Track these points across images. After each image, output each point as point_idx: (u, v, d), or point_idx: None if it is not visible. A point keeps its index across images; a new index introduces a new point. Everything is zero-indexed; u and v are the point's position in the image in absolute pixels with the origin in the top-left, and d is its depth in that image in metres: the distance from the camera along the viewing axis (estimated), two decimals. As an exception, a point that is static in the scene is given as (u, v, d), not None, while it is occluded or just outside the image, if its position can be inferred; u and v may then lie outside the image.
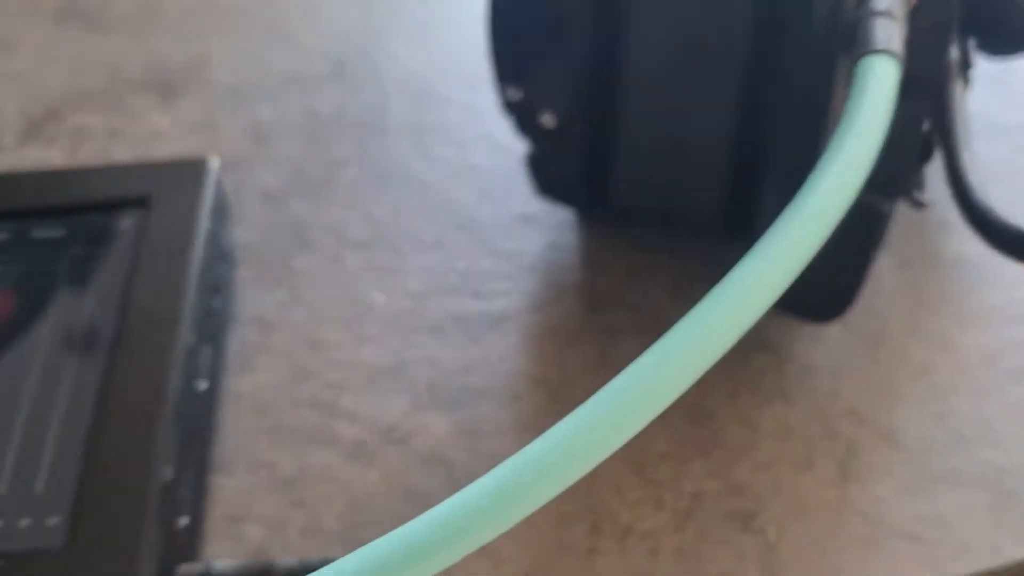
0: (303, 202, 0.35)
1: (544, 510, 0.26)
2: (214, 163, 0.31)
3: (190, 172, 0.31)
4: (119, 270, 0.28)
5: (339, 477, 0.28)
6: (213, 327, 0.29)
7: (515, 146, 0.36)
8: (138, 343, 0.26)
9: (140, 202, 0.30)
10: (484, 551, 0.26)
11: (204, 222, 0.29)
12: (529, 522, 0.26)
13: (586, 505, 0.27)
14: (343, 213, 0.35)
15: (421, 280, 0.33)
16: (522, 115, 0.30)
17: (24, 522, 0.23)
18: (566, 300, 0.32)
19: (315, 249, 0.33)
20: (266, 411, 0.29)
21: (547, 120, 0.29)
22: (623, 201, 0.31)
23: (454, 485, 0.27)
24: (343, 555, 0.15)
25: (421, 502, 0.27)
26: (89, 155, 0.37)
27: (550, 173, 0.31)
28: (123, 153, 0.37)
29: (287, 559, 0.24)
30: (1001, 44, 0.30)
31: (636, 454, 0.28)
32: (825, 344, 0.30)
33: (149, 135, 0.38)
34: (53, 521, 0.23)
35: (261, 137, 0.37)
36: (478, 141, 0.37)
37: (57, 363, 0.26)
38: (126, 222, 0.30)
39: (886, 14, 0.21)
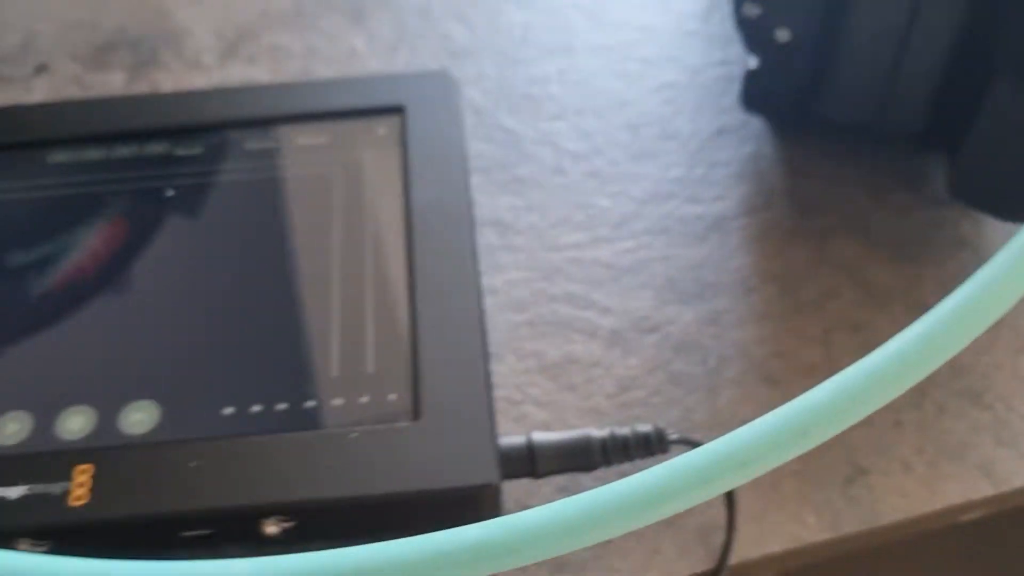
0: (511, 116, 0.37)
1: (795, 393, 0.29)
2: (455, 76, 0.33)
3: (436, 83, 0.33)
4: (392, 171, 0.30)
5: (602, 363, 0.30)
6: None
7: (694, 63, 0.38)
8: (434, 237, 0.28)
9: (396, 110, 0.32)
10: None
11: (462, 128, 0.31)
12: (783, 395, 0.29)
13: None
14: (553, 126, 0.37)
15: (640, 187, 0.35)
16: (756, 30, 0.32)
17: (364, 399, 0.25)
18: (775, 204, 0.34)
19: (534, 159, 0.36)
20: (523, 306, 0.31)
21: (781, 35, 0.31)
22: (832, 113, 0.33)
23: (710, 368, 0.30)
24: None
25: (685, 383, 0.30)
26: (292, 72, 0.39)
27: (768, 86, 0.33)
28: (324, 71, 0.39)
29: (600, 431, 0.26)
30: None
31: (870, 341, 0.31)
32: None
33: (346, 54, 0.39)
34: (392, 397, 0.25)
35: (455, 55, 0.39)
36: (662, 61, 0.39)
37: (357, 254, 0.28)
38: (383, 129, 0.32)
39: None
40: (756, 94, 0.34)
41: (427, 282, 0.27)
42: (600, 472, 0.27)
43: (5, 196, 0.30)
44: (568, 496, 0.26)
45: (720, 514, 0.27)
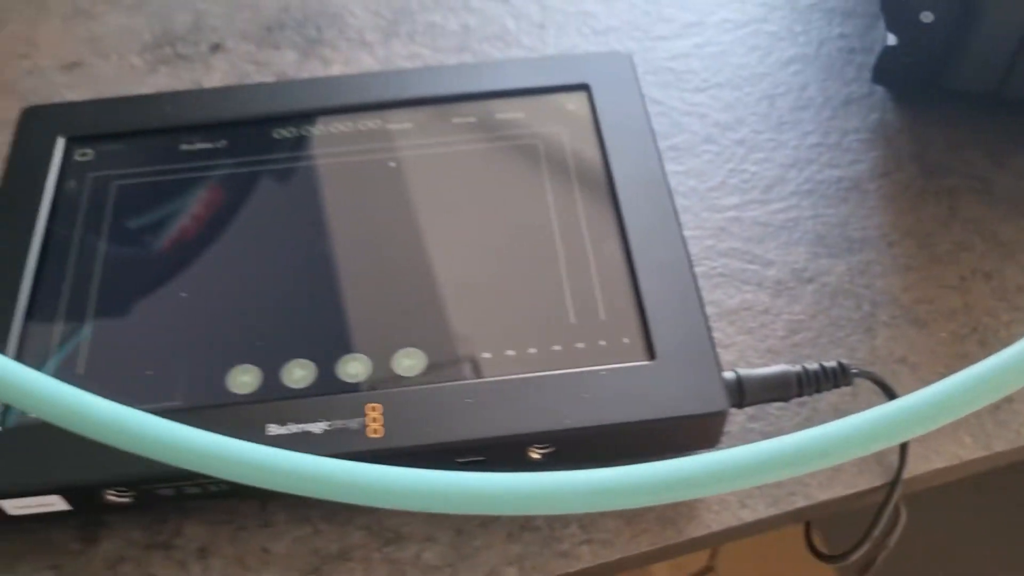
0: (659, 90, 0.41)
1: (942, 333, 0.33)
2: (631, 56, 0.36)
3: (615, 63, 0.36)
4: (588, 141, 0.34)
5: (771, 310, 0.35)
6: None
7: (817, 36, 0.42)
8: (637, 196, 0.32)
9: (582, 87, 0.36)
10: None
11: (643, 102, 0.35)
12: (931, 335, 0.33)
13: (972, 326, 0.34)
14: (697, 98, 0.40)
15: (783, 154, 0.39)
16: (901, 11, 0.36)
17: (602, 343, 0.30)
18: (905, 168, 0.38)
19: (687, 128, 0.39)
20: (697, 260, 0.35)
21: (925, 16, 0.35)
22: (960, 84, 0.38)
23: (865, 313, 0.34)
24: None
25: (844, 326, 0.34)
26: (451, 48, 0.42)
27: (902, 61, 0.37)
28: (482, 48, 0.42)
29: (793, 367, 0.31)
30: None
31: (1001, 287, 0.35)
32: None
33: (499, 32, 0.43)
34: (626, 341, 0.29)
35: (598, 32, 0.43)
36: (788, 35, 0.43)
37: (572, 214, 0.32)
38: (572, 104, 0.35)
39: None
40: (889, 68, 0.38)
41: (638, 236, 0.31)
42: (781, 406, 0.31)
43: (240, 170, 0.34)
44: (759, 423, 0.30)
45: (891, 438, 0.32)
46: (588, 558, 0.29)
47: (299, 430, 0.27)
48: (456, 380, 0.28)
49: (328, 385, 0.29)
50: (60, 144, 0.34)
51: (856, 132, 0.39)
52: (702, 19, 0.44)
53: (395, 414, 0.28)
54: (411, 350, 0.29)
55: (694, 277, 0.31)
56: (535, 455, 0.28)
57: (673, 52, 0.42)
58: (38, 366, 0.29)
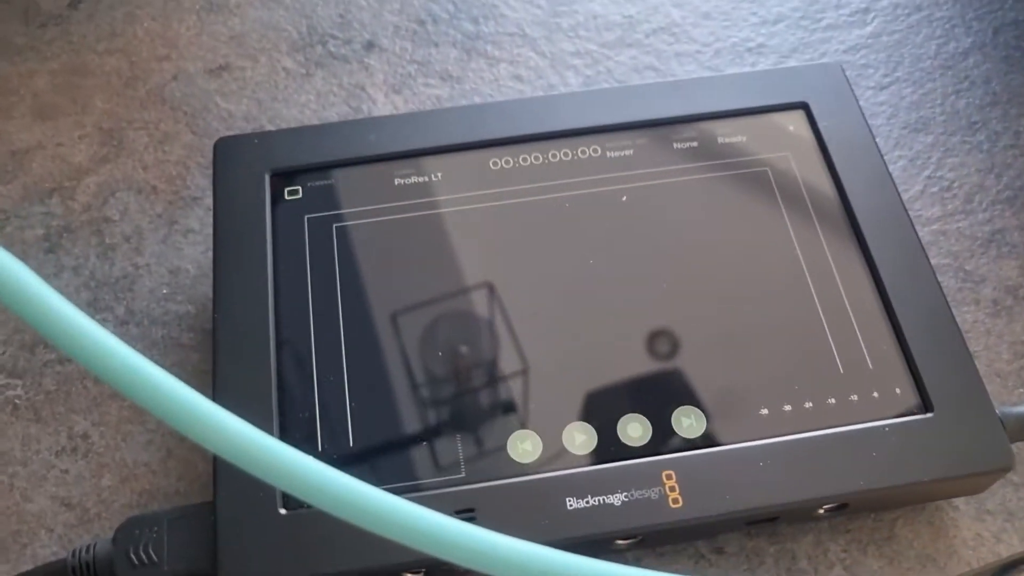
0: (842, 87, 0.40)
1: None
2: (842, 67, 0.35)
3: (827, 75, 0.35)
4: (816, 166, 0.33)
5: (992, 331, 0.35)
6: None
7: (992, 24, 0.41)
8: (879, 227, 0.32)
9: (799, 106, 0.34)
10: None
11: (864, 119, 0.34)
12: None
13: None
14: (879, 96, 0.39)
15: (979, 157, 0.38)
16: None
17: (875, 395, 0.29)
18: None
19: (877, 133, 0.39)
20: (912, 279, 0.35)
21: None
22: None
23: (1084, 331, 0.35)
24: None
25: (1069, 347, 0.34)
26: (614, 45, 0.40)
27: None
28: (652, 42, 0.40)
29: (1046, 401, 0.31)
30: None
31: None
32: None
33: (664, 23, 0.41)
34: (898, 391, 0.29)
35: (765, 22, 0.41)
36: (960, 22, 0.41)
37: (818, 250, 0.31)
38: (793, 124, 0.34)
39: None
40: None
41: (890, 273, 0.31)
42: None
43: (462, 207, 0.32)
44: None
45: None
46: (858, 600, 0.30)
47: (598, 502, 0.27)
48: (741, 441, 0.28)
49: (612, 451, 0.28)
50: (267, 181, 0.32)
51: (1047, 130, 0.39)
52: (870, 4, 0.42)
53: (689, 480, 0.28)
54: (688, 408, 0.29)
55: (954, 317, 0.30)
56: (820, 512, 0.29)
57: (848, 43, 0.41)
58: (306, 444, 0.28)
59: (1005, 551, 0.31)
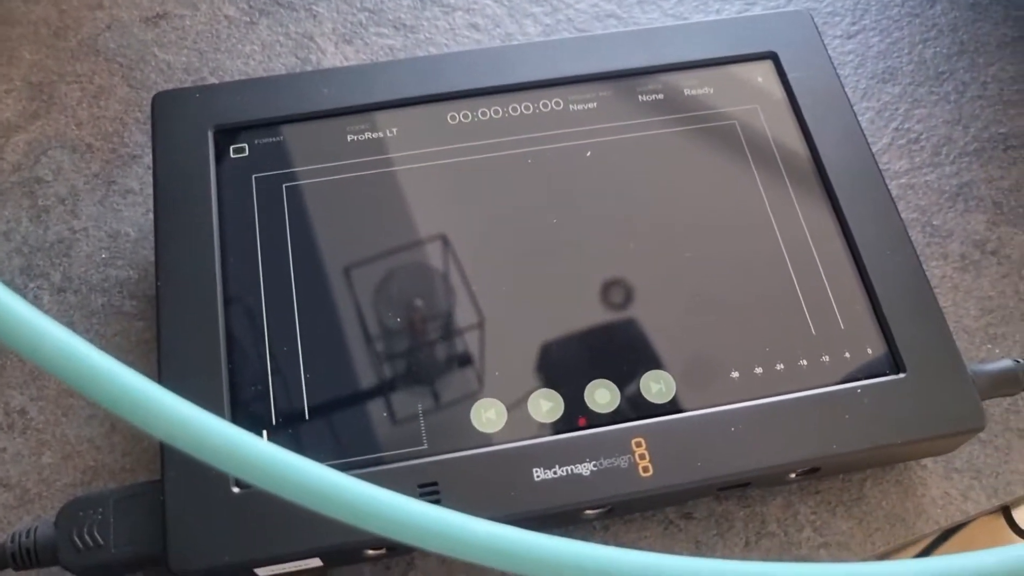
0: (809, 36, 0.38)
1: None
2: (810, 14, 0.34)
3: (795, 23, 0.34)
4: (786, 119, 0.32)
5: (960, 287, 0.34)
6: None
7: None
8: (850, 184, 0.31)
9: (767, 56, 0.33)
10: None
11: (833, 69, 0.33)
12: None
13: None
14: (848, 45, 0.38)
15: (944, 111, 0.37)
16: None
17: (846, 355, 0.29)
18: (1064, 120, 0.38)
19: (844, 84, 0.38)
20: (880, 235, 0.34)
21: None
22: None
23: (1051, 286, 0.34)
24: None
25: (1036, 302, 0.34)
26: (581, -9, 0.39)
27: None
28: (612, -12, 0.39)
29: (1017, 362, 0.30)
30: None
31: None
32: None
33: None
34: (870, 351, 0.29)
35: (735, -32, 0.40)
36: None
37: (788, 208, 0.31)
38: (761, 75, 0.33)
39: None
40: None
41: (861, 231, 0.30)
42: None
43: (419, 164, 0.31)
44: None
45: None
46: (828, 561, 0.30)
47: (566, 472, 0.26)
48: (712, 406, 0.27)
49: (579, 418, 0.27)
50: (211, 138, 0.30)
51: (1014, 82, 0.38)
52: (840, -48, 0.41)
53: (659, 448, 0.27)
54: (658, 373, 0.28)
55: (926, 275, 0.30)
56: (793, 476, 0.28)
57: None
58: (259, 419, 0.27)
59: (973, 509, 0.31)
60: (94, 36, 0.37)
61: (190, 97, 0.31)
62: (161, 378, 0.26)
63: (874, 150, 0.36)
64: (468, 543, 0.18)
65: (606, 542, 0.29)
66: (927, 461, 0.31)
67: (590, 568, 0.17)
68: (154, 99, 0.31)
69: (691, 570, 0.16)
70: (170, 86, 0.36)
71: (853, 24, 0.39)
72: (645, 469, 0.26)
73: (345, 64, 0.37)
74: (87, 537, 0.25)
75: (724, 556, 0.29)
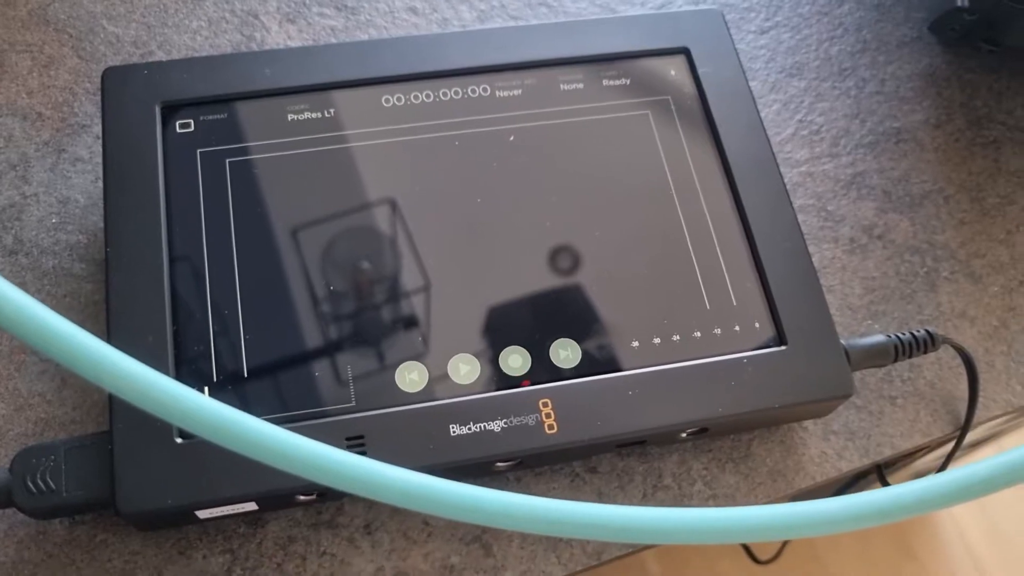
0: (725, 30, 0.41)
1: (994, 287, 0.37)
2: (722, 13, 0.37)
3: (707, 21, 0.37)
4: (695, 111, 0.35)
5: (848, 267, 0.38)
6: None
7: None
8: (750, 173, 0.34)
9: (680, 51, 0.36)
10: None
11: (741, 66, 0.36)
12: (985, 289, 0.37)
13: (1019, 279, 0.38)
14: (760, 40, 0.41)
15: (847, 103, 0.41)
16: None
17: (736, 328, 0.32)
18: (955, 117, 0.41)
19: (755, 77, 0.41)
20: (779, 218, 0.38)
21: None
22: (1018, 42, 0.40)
23: (928, 269, 0.38)
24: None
25: (912, 282, 0.37)
26: (514, -20, 0.41)
27: (966, 20, 0.39)
28: (543, -22, 0.41)
29: (889, 336, 0.34)
30: None
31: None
32: None
33: (559, -41, 0.42)
34: (757, 325, 0.32)
35: (659, -38, 0.42)
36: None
37: (692, 192, 0.34)
38: (674, 69, 0.36)
39: None
40: (949, 24, 0.40)
41: (756, 216, 0.33)
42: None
43: (354, 144, 0.33)
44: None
45: (958, 388, 0.36)
46: (715, 513, 0.33)
47: (479, 429, 0.29)
48: (613, 371, 0.31)
49: (494, 380, 0.30)
50: (158, 113, 0.32)
51: (909, 80, 0.42)
52: (756, -52, 0.44)
53: (563, 408, 0.30)
54: (566, 340, 0.31)
55: (811, 258, 0.33)
56: (684, 435, 0.31)
57: (734, -13, 0.42)
58: (201, 376, 0.29)
59: (846, 467, 0.34)
60: (44, 6, 0.38)
61: (139, 73, 0.33)
62: (110, 338, 0.29)
63: (778, 139, 0.39)
64: (381, 486, 0.21)
65: (517, 492, 0.32)
66: (808, 423, 0.34)
67: (467, 507, 0.20)
68: (104, 74, 0.33)
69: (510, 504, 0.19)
70: (119, 59, 0.37)
71: (767, 20, 0.42)
72: (550, 427, 0.29)
73: (288, 43, 0.39)
74: (40, 482, 0.28)
75: (624, 505, 0.32)
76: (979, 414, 0.36)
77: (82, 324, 0.33)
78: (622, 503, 0.32)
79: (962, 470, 0.21)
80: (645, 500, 0.33)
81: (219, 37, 0.39)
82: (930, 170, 0.40)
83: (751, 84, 0.40)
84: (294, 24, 0.39)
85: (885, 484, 0.38)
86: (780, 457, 0.34)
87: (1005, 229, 0.39)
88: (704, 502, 0.33)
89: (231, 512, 0.29)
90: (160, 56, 0.38)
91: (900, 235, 0.38)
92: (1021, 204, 0.40)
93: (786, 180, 0.39)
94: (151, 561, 0.30)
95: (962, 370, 0.36)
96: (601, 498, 0.33)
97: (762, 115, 0.39)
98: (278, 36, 0.39)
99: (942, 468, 0.36)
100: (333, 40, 0.39)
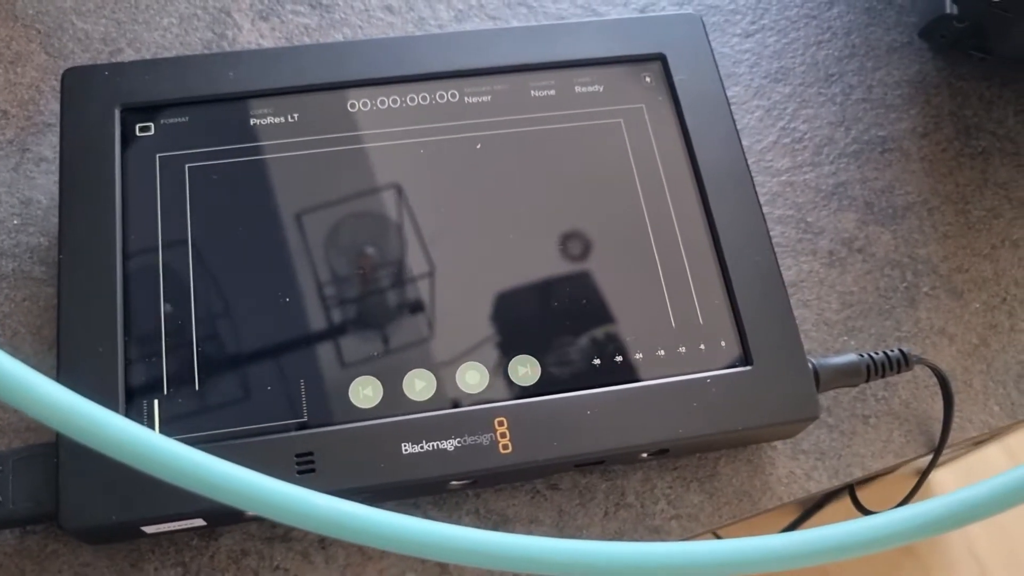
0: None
1: (976, 304, 0.36)
2: (702, 18, 0.36)
3: (686, 26, 0.36)
4: (668, 120, 0.34)
5: (825, 281, 0.37)
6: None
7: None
8: (723, 187, 0.33)
9: (656, 57, 0.35)
10: None
11: (718, 73, 0.35)
12: (966, 306, 0.36)
13: (1001, 296, 0.37)
14: (745, 44, 0.40)
15: (832, 110, 0.40)
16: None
17: (701, 347, 0.31)
18: (944, 126, 0.40)
19: (738, 82, 0.40)
20: (756, 230, 0.37)
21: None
22: (1011, 52, 0.39)
23: (909, 283, 0.37)
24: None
25: (891, 297, 0.37)
26: (493, -22, 0.40)
27: (955, 27, 0.38)
28: (524, -24, 0.40)
29: (862, 356, 0.33)
30: None
31: (1032, 256, 0.38)
32: None
33: (540, -43, 0.41)
34: (723, 344, 0.31)
35: (644, -39, 0.41)
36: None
37: (662, 207, 0.33)
38: (649, 76, 0.35)
39: None
40: (939, 30, 0.39)
41: (727, 232, 0.32)
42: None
43: (317, 150, 0.33)
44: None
45: (933, 408, 0.35)
46: (678, 532, 0.33)
47: (432, 448, 0.29)
48: (573, 390, 0.30)
49: (450, 397, 0.30)
50: (117, 116, 0.32)
51: (898, 86, 0.40)
52: (744, -52, 0.42)
53: (520, 428, 0.29)
54: (525, 357, 0.30)
55: (781, 276, 0.32)
56: (644, 455, 0.31)
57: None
58: (151, 388, 0.29)
59: (815, 488, 0.34)
60: (11, 1, 0.38)
61: (99, 74, 0.32)
62: (59, 347, 0.28)
63: (759, 148, 0.38)
64: (307, 515, 0.20)
65: (476, 509, 0.32)
66: (777, 443, 0.34)
67: (397, 538, 0.19)
68: (64, 75, 0.32)
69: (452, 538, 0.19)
70: (87, 56, 0.37)
71: (752, 23, 0.41)
72: (505, 447, 0.29)
73: (261, 41, 0.38)
74: (-15, 492, 0.28)
75: (584, 524, 0.32)
76: (954, 435, 0.35)
77: (39, 329, 0.33)
78: (583, 521, 0.32)
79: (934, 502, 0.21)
80: (606, 519, 0.32)
81: (190, 35, 0.38)
82: (915, 181, 0.39)
83: (734, 89, 0.39)
84: (267, 22, 0.39)
85: (856, 504, 0.37)
86: (747, 477, 0.33)
87: (990, 243, 0.38)
88: (667, 521, 0.32)
89: (179, 528, 0.28)
90: (130, 54, 0.37)
91: (881, 248, 0.37)
92: (1008, 217, 0.39)
93: (765, 190, 0.38)
94: (102, 573, 0.30)
95: (938, 389, 0.35)
96: (561, 516, 0.32)
97: (744, 122, 0.38)
98: (250, 34, 0.38)
99: (914, 490, 0.35)
100: (307, 39, 0.39)
